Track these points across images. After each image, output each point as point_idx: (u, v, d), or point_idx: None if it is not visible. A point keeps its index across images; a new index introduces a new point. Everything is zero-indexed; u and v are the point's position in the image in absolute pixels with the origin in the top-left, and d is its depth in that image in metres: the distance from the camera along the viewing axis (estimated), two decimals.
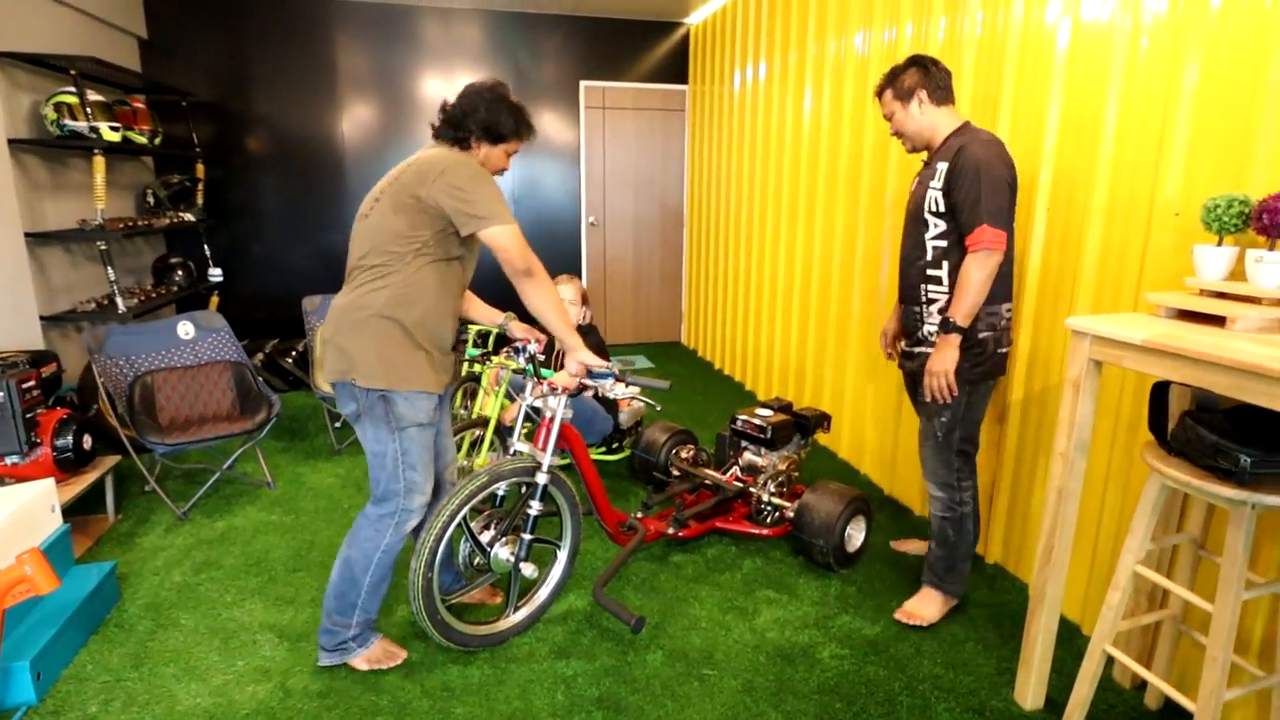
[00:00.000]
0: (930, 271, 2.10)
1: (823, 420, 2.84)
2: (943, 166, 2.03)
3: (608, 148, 5.52)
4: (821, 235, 3.58)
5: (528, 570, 2.03)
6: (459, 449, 2.89)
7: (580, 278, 5.60)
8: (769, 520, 2.65)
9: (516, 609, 2.11)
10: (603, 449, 3.33)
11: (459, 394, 3.24)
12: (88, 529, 2.72)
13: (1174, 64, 1.79)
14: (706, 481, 2.73)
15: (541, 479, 2.01)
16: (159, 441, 2.81)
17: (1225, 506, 1.41)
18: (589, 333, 3.02)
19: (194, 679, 1.92)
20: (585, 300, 3.06)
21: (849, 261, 3.34)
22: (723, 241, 4.95)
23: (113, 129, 3.46)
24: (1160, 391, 1.59)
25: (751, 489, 2.66)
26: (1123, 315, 1.70)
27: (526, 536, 2.02)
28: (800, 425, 2.80)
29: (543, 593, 2.18)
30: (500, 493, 2.05)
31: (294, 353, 4.47)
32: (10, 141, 3.06)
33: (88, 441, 2.71)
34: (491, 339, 3.32)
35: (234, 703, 1.83)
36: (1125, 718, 1.79)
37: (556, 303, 1.89)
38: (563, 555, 2.21)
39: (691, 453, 2.96)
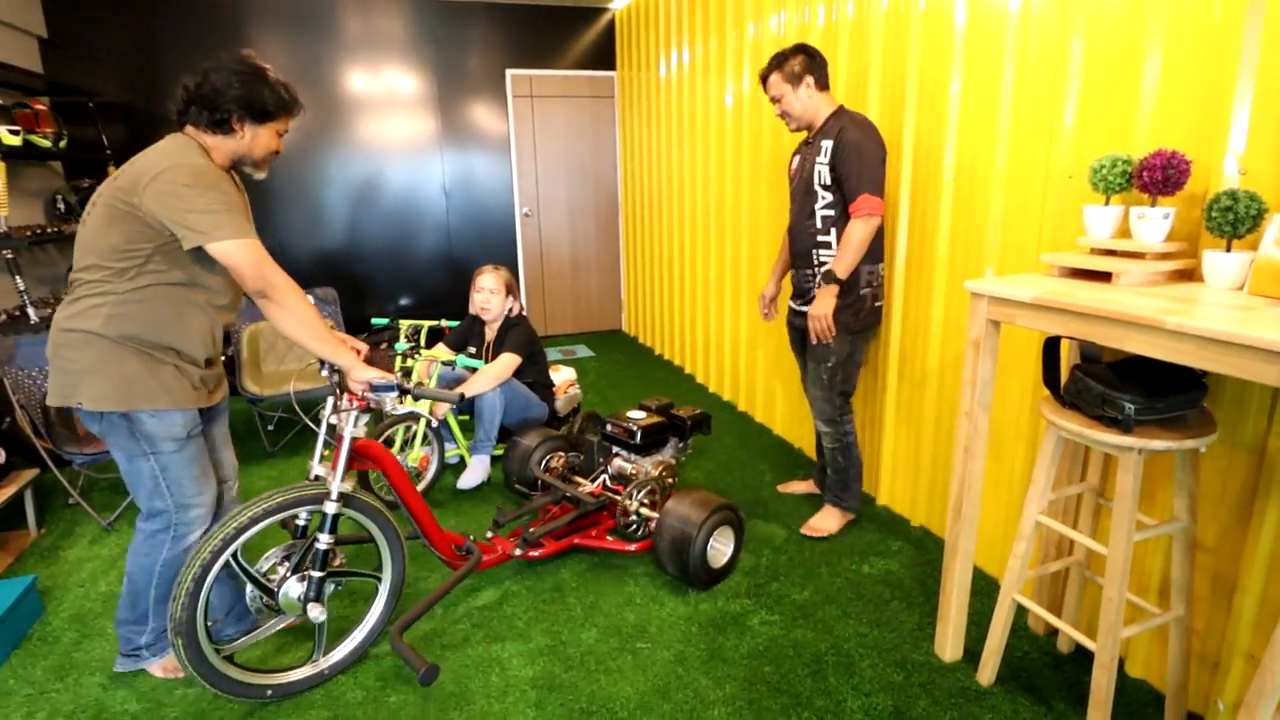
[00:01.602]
0: (820, 238, 2.37)
1: (702, 421, 2.63)
2: (828, 144, 2.28)
3: (538, 137, 5.47)
4: (749, 217, 3.63)
5: (314, 613, 1.77)
6: (392, 445, 2.85)
7: (515, 269, 5.57)
8: (639, 533, 2.41)
9: (326, 653, 1.89)
10: None
11: None
12: (8, 545, 2.62)
13: (1062, 38, 1.87)
14: (568, 493, 2.46)
15: (330, 508, 1.75)
16: (77, 452, 2.71)
17: (1114, 453, 1.49)
18: (517, 325, 2.99)
19: (121, 686, 1.87)
20: (511, 291, 3.02)
21: (774, 241, 3.39)
22: (657, 227, 4.97)
23: (12, 133, 3.29)
24: (1052, 347, 1.66)
25: (618, 498, 2.40)
26: (1019, 276, 1.77)
27: (315, 574, 1.77)
28: (676, 427, 2.59)
29: (358, 635, 1.94)
30: (301, 522, 1.82)
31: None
32: None
33: (1, 455, 2.60)
34: (424, 334, 3.27)
35: (163, 705, 1.80)
36: (1038, 662, 1.87)
37: (306, 321, 1.68)
38: (383, 591, 1.97)
39: (563, 460, 2.73)
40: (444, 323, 3.30)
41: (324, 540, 1.77)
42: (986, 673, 1.80)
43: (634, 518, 2.40)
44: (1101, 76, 1.79)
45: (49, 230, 3.63)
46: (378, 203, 5.18)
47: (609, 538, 2.41)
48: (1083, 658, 1.88)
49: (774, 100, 2.36)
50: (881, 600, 2.15)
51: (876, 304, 2.40)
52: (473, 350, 3.05)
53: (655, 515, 2.35)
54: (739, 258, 3.79)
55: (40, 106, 3.69)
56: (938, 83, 2.31)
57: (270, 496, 1.72)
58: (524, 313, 3.07)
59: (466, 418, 3.16)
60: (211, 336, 1.77)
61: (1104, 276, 1.63)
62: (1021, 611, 2.02)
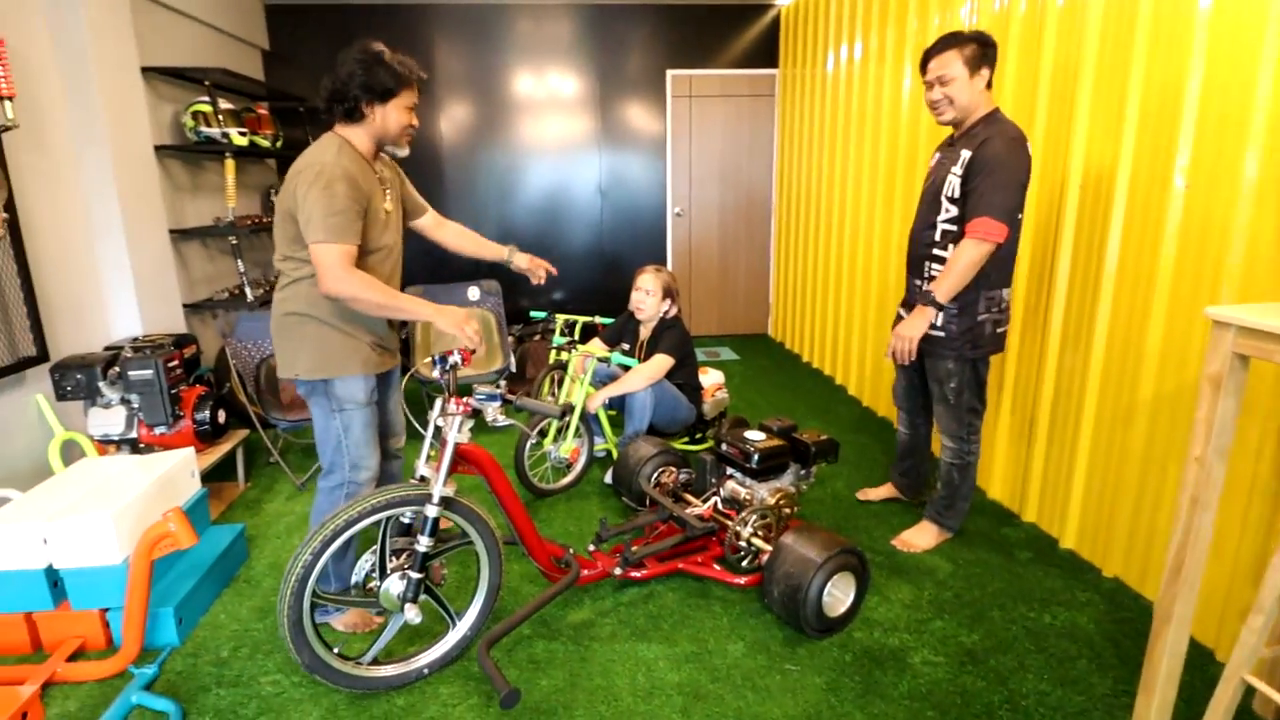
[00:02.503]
0: (936, 251, 2.25)
1: (829, 449, 2.40)
2: (966, 154, 2.11)
3: (694, 137, 5.46)
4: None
5: (410, 614, 1.78)
6: (545, 434, 2.97)
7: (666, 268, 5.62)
8: (750, 564, 2.24)
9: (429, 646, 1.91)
10: (685, 439, 3.32)
11: (546, 381, 3.32)
12: (221, 495, 3.00)
13: None
14: (675, 513, 2.30)
15: (431, 511, 1.75)
16: (281, 418, 3.07)
17: None
18: (672, 327, 2.99)
19: None
20: (669, 293, 3.01)
21: None
22: (813, 231, 4.79)
23: (241, 134, 3.77)
24: None
25: (729, 525, 2.23)
26: (1276, 305, 1.51)
27: (414, 575, 1.78)
28: (798, 453, 2.38)
29: (453, 635, 1.92)
30: (406, 520, 1.84)
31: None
32: (157, 148, 3.39)
33: (222, 416, 2.99)
34: (578, 328, 3.37)
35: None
36: None
37: (383, 307, 1.78)
38: (480, 595, 1.96)
39: (673, 477, 2.59)
40: (597, 319, 3.38)
41: (424, 543, 1.77)
42: None
43: (744, 547, 2.23)
44: None
45: (265, 220, 4.14)
46: (536, 200, 5.43)
47: (716, 566, 2.25)
48: None
49: (939, 82, 2.12)
50: (1067, 656, 1.92)
51: (999, 330, 2.26)
52: (626, 347, 3.10)
53: (768, 548, 2.17)
54: (903, 266, 3.56)
55: (262, 110, 4.20)
56: (1170, 75, 2.01)
57: (373, 496, 1.74)
58: (680, 315, 3.07)
59: (615, 413, 3.23)
60: None
61: None
62: (1247, 692, 1.73)
